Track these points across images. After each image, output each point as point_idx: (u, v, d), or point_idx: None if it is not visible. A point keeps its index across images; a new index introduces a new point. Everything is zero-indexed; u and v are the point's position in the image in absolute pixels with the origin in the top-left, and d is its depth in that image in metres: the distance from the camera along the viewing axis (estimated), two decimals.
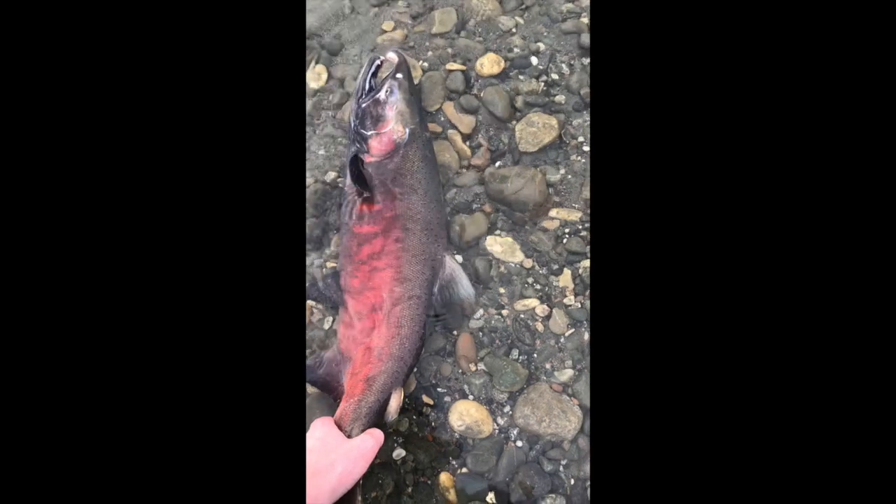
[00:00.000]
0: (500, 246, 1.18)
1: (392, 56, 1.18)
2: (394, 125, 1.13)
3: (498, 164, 1.26)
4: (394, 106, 1.14)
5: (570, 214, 1.21)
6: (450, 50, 1.37)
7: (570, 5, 1.42)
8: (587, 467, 1.01)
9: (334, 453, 0.84)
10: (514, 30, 1.40)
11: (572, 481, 1.01)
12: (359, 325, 1.01)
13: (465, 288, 1.06)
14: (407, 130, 1.13)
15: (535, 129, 1.27)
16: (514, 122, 1.28)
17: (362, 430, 0.92)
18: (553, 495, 1.00)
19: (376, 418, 0.96)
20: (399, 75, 1.16)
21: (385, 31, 1.40)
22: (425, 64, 1.35)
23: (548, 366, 1.09)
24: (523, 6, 1.43)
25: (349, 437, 0.90)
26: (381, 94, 1.14)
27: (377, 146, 1.12)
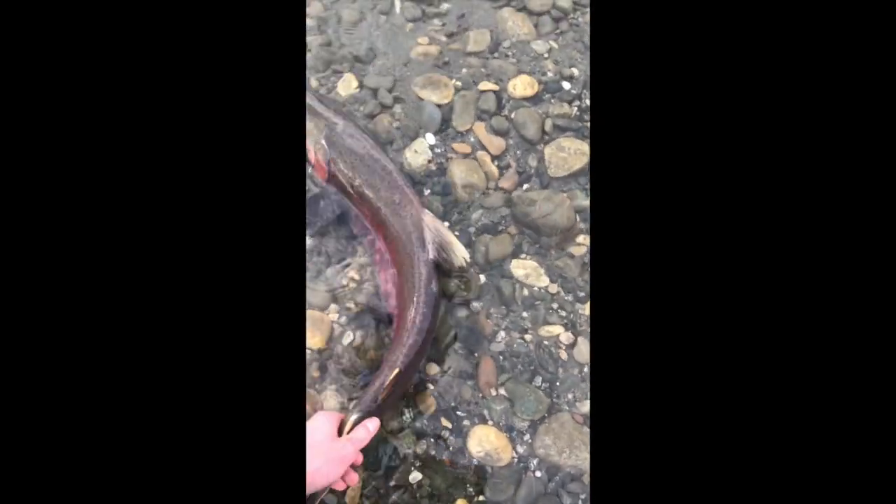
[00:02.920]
0: (524, 269, 1.17)
1: None
2: (310, 147, 1.17)
3: (525, 186, 1.25)
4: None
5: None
6: (483, 70, 1.37)
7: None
8: None
9: (314, 449, 0.83)
10: (546, 54, 1.40)
11: None
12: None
13: (460, 249, 1.09)
14: (322, 142, 1.16)
15: (566, 155, 1.26)
16: (542, 146, 1.28)
17: (358, 418, 0.92)
18: None
19: (377, 405, 0.94)
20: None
21: (420, 45, 1.40)
22: (458, 82, 1.35)
23: (570, 396, 1.07)
24: (558, 31, 1.44)
25: (344, 422, 0.91)
26: None
27: (319, 173, 1.19)
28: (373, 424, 0.92)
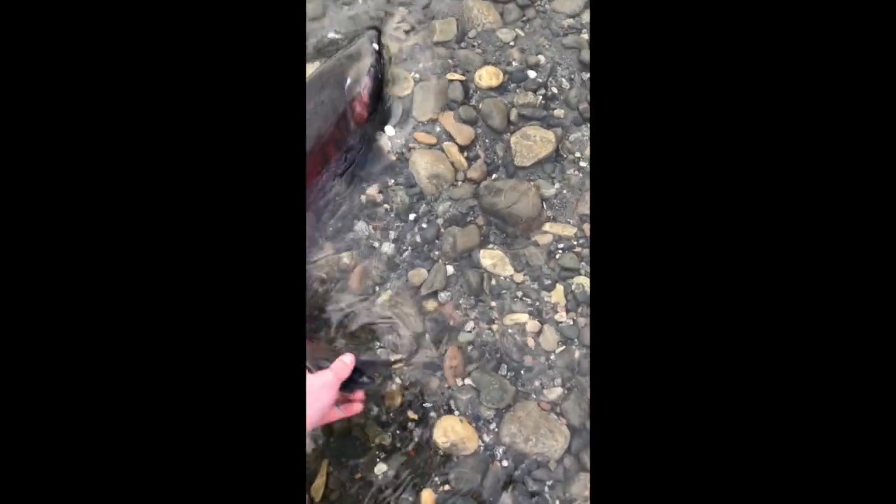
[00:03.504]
0: (491, 259, 1.17)
1: None
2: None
3: (493, 176, 1.25)
4: None
5: (565, 230, 1.19)
6: (450, 60, 1.36)
7: (571, 20, 1.42)
8: (573, 488, 0.99)
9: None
10: (512, 42, 1.39)
11: (557, 502, 0.99)
12: None
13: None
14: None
15: (531, 143, 1.26)
16: (508, 135, 1.27)
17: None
18: None
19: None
20: None
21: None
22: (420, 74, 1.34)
23: (537, 383, 1.07)
24: (524, 18, 1.43)
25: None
26: None
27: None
28: (348, 358, 0.90)
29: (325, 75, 1.15)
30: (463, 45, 1.39)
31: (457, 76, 1.33)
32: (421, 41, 1.37)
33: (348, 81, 1.16)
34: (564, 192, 1.24)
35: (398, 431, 1.03)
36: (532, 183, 1.23)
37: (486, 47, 1.38)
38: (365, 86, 1.17)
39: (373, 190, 1.22)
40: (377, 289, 1.14)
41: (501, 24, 1.42)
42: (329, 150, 1.15)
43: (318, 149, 1.11)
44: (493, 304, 1.13)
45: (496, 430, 1.03)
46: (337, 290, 1.14)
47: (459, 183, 1.24)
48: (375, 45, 1.24)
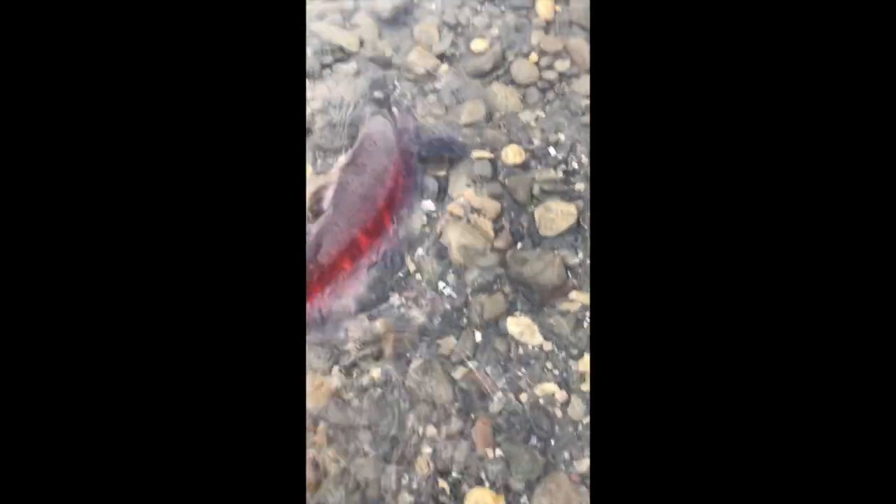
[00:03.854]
0: (518, 327, 1.21)
1: None
2: None
3: (518, 245, 1.31)
4: None
5: (589, 298, 1.23)
6: (478, 139, 1.47)
7: (587, 101, 1.53)
8: None
9: None
10: (533, 123, 1.50)
11: None
12: None
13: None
14: None
15: (553, 216, 1.32)
16: (531, 208, 1.35)
17: None
18: None
19: None
20: None
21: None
22: None
23: (566, 455, 1.07)
24: (545, 100, 1.54)
25: None
26: None
27: None
28: None
29: (382, 119, 1.48)
30: (489, 125, 1.50)
31: (485, 154, 1.43)
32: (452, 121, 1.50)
33: (398, 123, 1.47)
34: (587, 261, 1.29)
35: (429, 502, 1.04)
36: (556, 252, 1.28)
37: (510, 128, 1.49)
38: (410, 122, 1.48)
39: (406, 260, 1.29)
40: (409, 356, 1.18)
41: (523, 106, 1.53)
42: (404, 162, 1.39)
43: (395, 170, 1.36)
44: (521, 372, 1.16)
45: (526, 502, 1.03)
46: (370, 356, 1.18)
47: (487, 252, 1.30)
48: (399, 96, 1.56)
